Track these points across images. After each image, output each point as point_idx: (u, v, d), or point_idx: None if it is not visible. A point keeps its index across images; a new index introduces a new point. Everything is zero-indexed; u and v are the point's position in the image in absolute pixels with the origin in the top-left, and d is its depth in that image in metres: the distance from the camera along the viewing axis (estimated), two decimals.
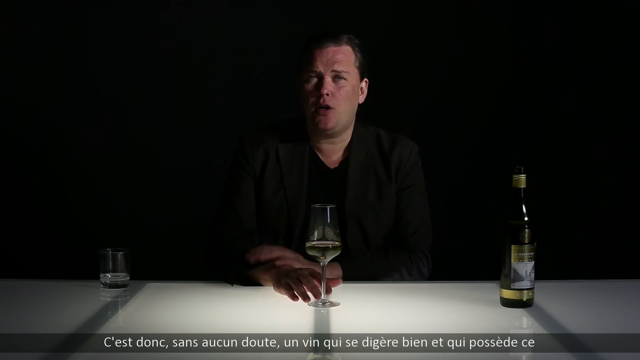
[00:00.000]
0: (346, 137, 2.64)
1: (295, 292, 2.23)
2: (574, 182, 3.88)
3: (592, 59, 3.84)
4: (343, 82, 2.55)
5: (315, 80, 2.56)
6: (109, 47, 3.86)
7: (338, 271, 2.46)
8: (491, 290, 2.25)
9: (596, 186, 3.88)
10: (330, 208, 2.18)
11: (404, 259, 2.57)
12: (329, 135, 2.60)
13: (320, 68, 2.54)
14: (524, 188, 2.14)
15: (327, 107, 2.54)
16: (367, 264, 2.53)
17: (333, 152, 2.65)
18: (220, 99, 3.88)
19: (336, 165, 2.64)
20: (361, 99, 2.64)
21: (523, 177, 2.14)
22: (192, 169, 3.85)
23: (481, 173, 3.84)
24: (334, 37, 2.57)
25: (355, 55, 2.59)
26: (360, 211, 2.59)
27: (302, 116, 2.64)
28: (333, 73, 2.55)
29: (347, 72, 2.56)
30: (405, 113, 3.84)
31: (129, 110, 3.89)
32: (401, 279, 2.55)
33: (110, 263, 2.37)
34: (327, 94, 2.53)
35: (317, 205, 2.20)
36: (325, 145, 2.64)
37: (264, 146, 2.64)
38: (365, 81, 2.64)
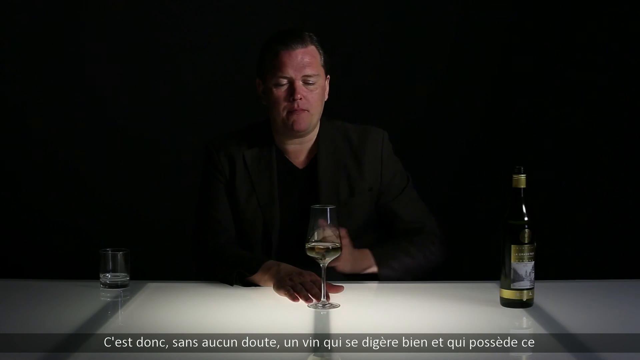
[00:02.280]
0: (312, 136, 2.61)
1: (297, 295, 2.23)
2: (574, 182, 3.88)
3: (593, 58, 3.84)
4: (313, 85, 2.52)
5: (286, 85, 2.51)
6: (106, 48, 3.87)
7: (369, 261, 2.47)
8: (491, 290, 2.25)
9: (596, 186, 3.88)
10: (330, 209, 2.18)
11: (427, 240, 2.57)
12: (299, 135, 2.57)
13: (291, 73, 2.50)
14: (524, 188, 2.14)
15: (301, 110, 2.51)
16: (395, 248, 2.53)
17: (300, 152, 2.62)
18: (221, 99, 3.88)
19: (305, 165, 2.61)
20: (326, 95, 2.60)
21: (523, 177, 2.14)
22: (193, 169, 3.83)
23: (481, 173, 3.84)
24: (300, 38, 2.52)
25: (320, 53, 2.55)
26: None
27: (266, 119, 2.61)
28: (304, 77, 2.51)
29: (317, 74, 2.52)
30: (405, 112, 3.84)
31: (129, 111, 3.89)
32: (431, 256, 2.55)
33: (110, 263, 2.37)
34: (300, 99, 2.50)
35: (317, 206, 2.19)
36: (292, 146, 2.61)
37: (231, 153, 2.61)
38: (328, 78, 2.60)
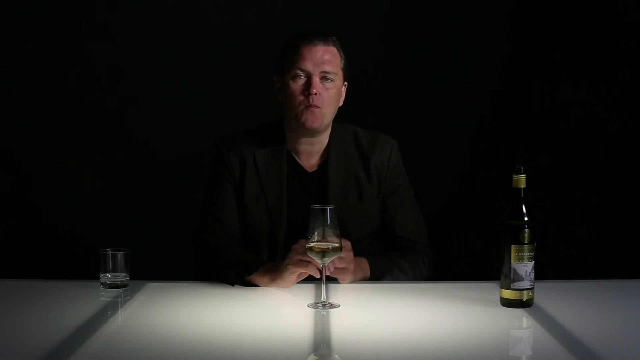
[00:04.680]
0: (324, 138, 2.60)
1: (305, 268, 2.27)
2: (574, 182, 3.88)
3: (592, 59, 3.84)
4: (330, 84, 2.52)
5: (303, 79, 2.51)
6: (107, 48, 3.87)
7: (366, 272, 2.46)
8: (491, 290, 2.25)
9: (596, 186, 3.88)
10: (330, 209, 2.17)
11: (418, 258, 2.58)
12: (311, 134, 2.56)
13: (309, 67, 2.50)
14: (524, 188, 2.14)
15: (315, 107, 2.50)
16: (390, 261, 2.53)
17: (311, 155, 2.61)
18: (221, 100, 3.88)
19: (315, 168, 2.61)
20: (341, 101, 2.60)
21: (523, 177, 2.14)
22: (193, 169, 3.84)
23: (481, 173, 3.84)
24: (323, 36, 2.53)
25: (340, 56, 2.56)
26: (342, 214, 2.47)
27: (278, 120, 2.61)
28: (322, 74, 2.51)
29: (335, 72, 2.52)
30: (406, 112, 3.84)
31: (128, 110, 3.90)
32: (419, 274, 2.56)
33: (110, 263, 2.37)
34: (316, 94, 2.49)
35: (317, 206, 2.19)
36: (303, 147, 2.60)
37: (241, 153, 2.60)
38: (345, 84, 2.60)
